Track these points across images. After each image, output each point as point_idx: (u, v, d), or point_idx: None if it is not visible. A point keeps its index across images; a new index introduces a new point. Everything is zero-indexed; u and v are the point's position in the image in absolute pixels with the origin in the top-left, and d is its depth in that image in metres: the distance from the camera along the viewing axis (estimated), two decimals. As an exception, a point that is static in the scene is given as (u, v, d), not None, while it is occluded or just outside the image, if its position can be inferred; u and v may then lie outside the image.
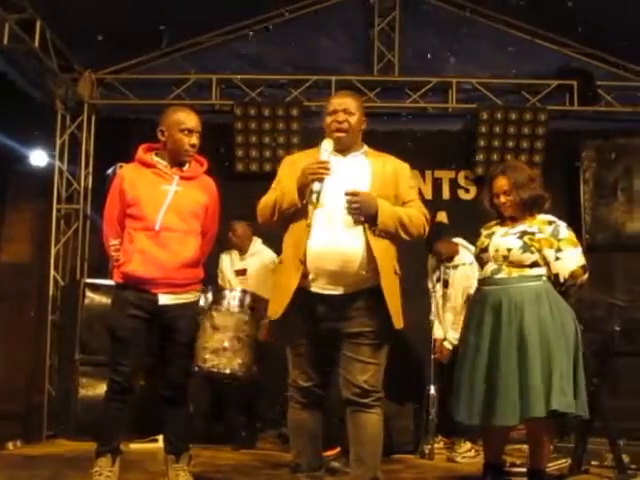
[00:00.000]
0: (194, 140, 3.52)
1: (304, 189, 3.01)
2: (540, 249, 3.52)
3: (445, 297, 5.26)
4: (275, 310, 3.07)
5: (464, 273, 5.18)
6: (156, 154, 3.59)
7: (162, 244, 3.42)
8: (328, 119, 3.19)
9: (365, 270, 3.00)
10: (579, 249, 3.58)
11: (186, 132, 3.50)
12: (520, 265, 3.52)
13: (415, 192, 3.28)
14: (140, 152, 3.60)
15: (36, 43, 5.55)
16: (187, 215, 3.50)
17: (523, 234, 3.55)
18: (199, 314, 3.80)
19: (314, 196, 2.98)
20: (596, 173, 6.64)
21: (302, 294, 3.01)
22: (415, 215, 3.12)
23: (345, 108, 3.16)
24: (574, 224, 5.94)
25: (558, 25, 6.42)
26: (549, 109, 6.56)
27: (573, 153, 6.69)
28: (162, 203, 3.45)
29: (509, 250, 3.52)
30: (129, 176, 3.53)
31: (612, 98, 6.64)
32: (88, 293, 5.65)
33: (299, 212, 3.06)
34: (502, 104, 6.65)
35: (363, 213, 3.00)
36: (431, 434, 4.99)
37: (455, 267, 5.23)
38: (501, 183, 3.64)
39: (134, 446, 4.86)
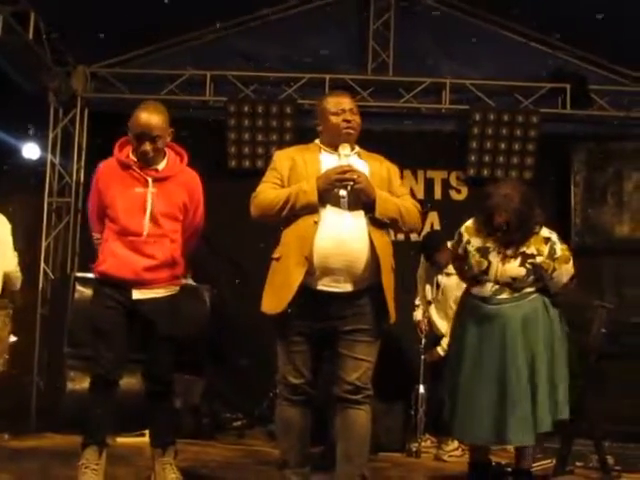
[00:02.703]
0: (144, 147, 3.35)
1: (326, 194, 3.03)
2: (539, 268, 3.54)
3: (436, 300, 5.26)
4: (274, 305, 3.04)
5: (456, 281, 5.15)
6: (133, 151, 3.46)
7: (135, 248, 3.38)
8: (334, 119, 3.17)
9: (369, 269, 3.02)
10: (570, 262, 3.63)
11: (136, 138, 3.37)
12: (522, 287, 3.57)
13: (405, 189, 3.34)
14: (116, 151, 3.49)
15: (30, 35, 5.53)
16: (161, 219, 3.41)
17: (524, 258, 3.55)
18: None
19: (344, 202, 3.01)
20: (587, 176, 6.66)
21: (304, 291, 3.00)
22: (411, 207, 3.19)
23: (351, 108, 3.19)
24: (564, 227, 6.03)
25: (552, 28, 6.45)
26: (541, 112, 6.58)
27: (564, 156, 6.72)
28: (136, 207, 3.38)
29: (514, 279, 3.54)
30: (104, 177, 3.46)
31: (605, 102, 6.67)
32: (78, 287, 5.63)
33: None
34: (495, 106, 6.67)
35: (365, 193, 3.02)
36: (418, 433, 5.02)
37: (448, 275, 5.18)
38: (502, 221, 3.55)
39: (121, 440, 4.86)
